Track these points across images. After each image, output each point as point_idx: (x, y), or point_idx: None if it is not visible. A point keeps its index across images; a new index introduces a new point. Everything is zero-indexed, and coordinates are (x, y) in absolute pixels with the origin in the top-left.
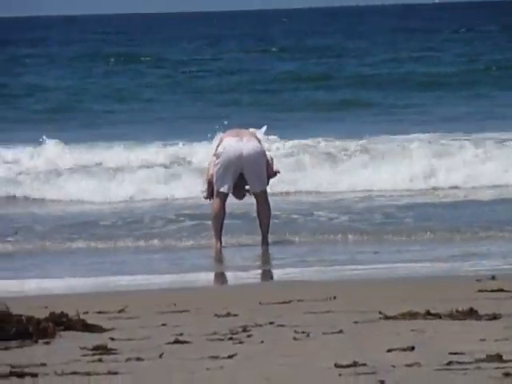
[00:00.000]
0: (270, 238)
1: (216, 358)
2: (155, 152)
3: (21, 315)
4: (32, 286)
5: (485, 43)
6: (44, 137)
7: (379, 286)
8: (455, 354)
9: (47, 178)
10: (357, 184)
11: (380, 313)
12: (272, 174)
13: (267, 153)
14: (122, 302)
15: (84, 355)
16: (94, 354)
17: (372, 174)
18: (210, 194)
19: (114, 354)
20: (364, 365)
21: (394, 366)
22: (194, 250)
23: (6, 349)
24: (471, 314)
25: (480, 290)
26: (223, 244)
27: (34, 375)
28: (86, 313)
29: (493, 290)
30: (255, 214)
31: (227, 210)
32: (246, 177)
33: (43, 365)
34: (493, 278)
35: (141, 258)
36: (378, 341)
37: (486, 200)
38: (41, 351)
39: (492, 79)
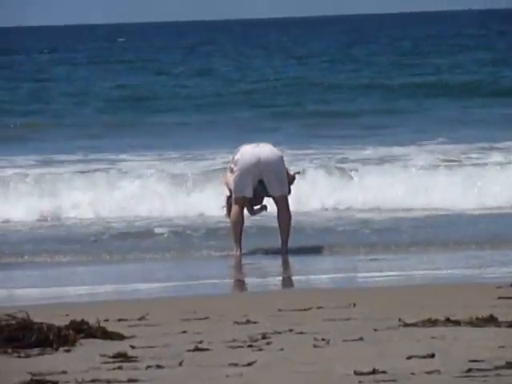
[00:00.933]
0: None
1: (236, 365)
2: None
3: (41, 323)
4: (53, 293)
5: None
6: None
7: (399, 293)
8: (475, 361)
9: None
10: None
11: (400, 320)
12: (291, 179)
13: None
14: (142, 309)
15: (104, 363)
16: (114, 362)
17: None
18: (230, 210)
19: (135, 361)
20: (384, 372)
21: (413, 374)
22: (215, 257)
23: (27, 356)
24: (491, 320)
25: (500, 297)
26: (243, 251)
27: (55, 383)
28: (107, 320)
29: None
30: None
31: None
32: (265, 182)
33: (64, 372)
34: None
35: (161, 267)
36: (398, 348)
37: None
38: (61, 359)
39: None
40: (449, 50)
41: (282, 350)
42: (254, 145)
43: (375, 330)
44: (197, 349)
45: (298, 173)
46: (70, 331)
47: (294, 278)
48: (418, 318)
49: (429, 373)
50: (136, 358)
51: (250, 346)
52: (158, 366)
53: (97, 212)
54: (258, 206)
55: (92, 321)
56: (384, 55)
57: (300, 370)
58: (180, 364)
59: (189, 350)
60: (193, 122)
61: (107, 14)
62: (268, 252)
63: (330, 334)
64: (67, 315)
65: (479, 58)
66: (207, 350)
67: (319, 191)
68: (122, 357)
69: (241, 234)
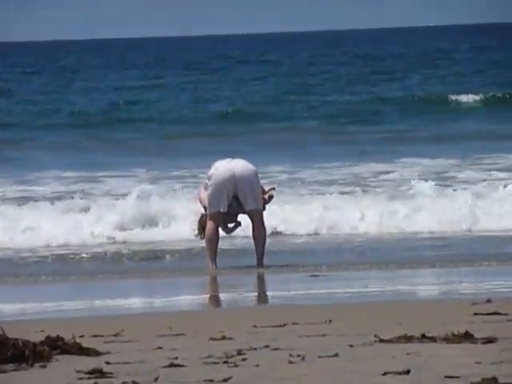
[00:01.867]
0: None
1: (211, 381)
2: None
3: (17, 339)
4: (28, 309)
5: None
6: None
7: (374, 309)
8: (451, 377)
9: None
10: None
11: (375, 336)
12: (268, 197)
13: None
14: (117, 325)
15: (80, 378)
16: (89, 378)
17: None
18: (202, 228)
19: (110, 377)
20: None
21: None
22: (190, 273)
23: (3, 372)
24: (467, 337)
25: (476, 313)
26: (218, 267)
27: None
28: (82, 336)
29: (488, 313)
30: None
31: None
32: (240, 196)
33: None
34: (488, 301)
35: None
36: (374, 364)
37: None
38: (37, 375)
39: None
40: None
41: (257, 366)
42: (228, 159)
43: (351, 346)
44: (172, 365)
45: (274, 189)
46: (46, 347)
47: (269, 293)
48: (394, 334)
49: None
50: (111, 374)
51: (225, 362)
52: (134, 382)
53: None
54: (233, 224)
55: (67, 337)
56: None
57: None
58: (155, 380)
59: (164, 366)
60: None
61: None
62: (243, 268)
63: (305, 351)
64: (42, 331)
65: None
66: (182, 366)
67: None
68: (98, 373)
69: (216, 250)
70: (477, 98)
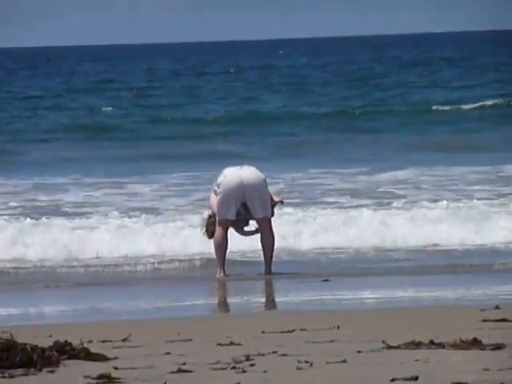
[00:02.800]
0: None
1: None
2: None
3: (25, 344)
4: (37, 314)
5: None
6: None
7: (383, 315)
8: (459, 383)
9: None
10: None
11: (383, 342)
12: (274, 203)
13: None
14: (125, 330)
15: None
16: (97, 383)
17: None
18: (212, 232)
19: (118, 382)
20: None
21: None
22: (198, 279)
23: (11, 377)
24: (475, 343)
25: (484, 320)
26: (227, 273)
27: None
28: (90, 342)
29: (497, 320)
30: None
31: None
32: (248, 204)
33: None
34: (497, 307)
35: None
36: (382, 370)
37: None
38: (45, 380)
39: None
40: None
41: (265, 372)
42: (237, 167)
43: (359, 352)
44: (180, 370)
45: (282, 202)
46: (54, 352)
47: (277, 299)
48: (402, 340)
49: None
50: (119, 379)
51: (233, 367)
52: None
53: None
54: (252, 229)
55: (75, 342)
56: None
57: None
58: None
59: (172, 372)
60: None
61: None
62: (251, 275)
63: (313, 357)
64: (51, 336)
65: None
66: (190, 371)
67: None
68: (106, 378)
69: (224, 257)
70: None
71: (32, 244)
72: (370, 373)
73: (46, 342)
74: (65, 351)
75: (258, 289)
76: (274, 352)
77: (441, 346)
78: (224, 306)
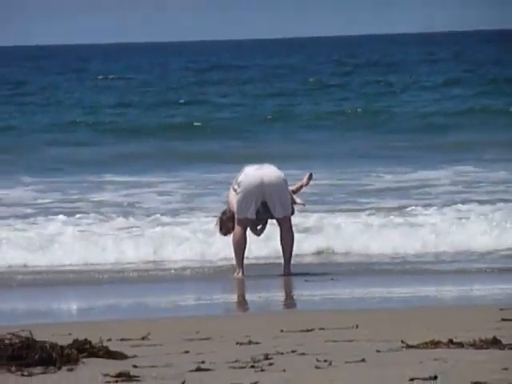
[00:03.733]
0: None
1: None
2: None
3: (44, 342)
4: (56, 312)
5: None
6: None
7: (402, 315)
8: (478, 383)
9: None
10: None
11: (402, 342)
12: (296, 201)
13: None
14: (145, 329)
15: (107, 382)
16: (116, 381)
17: None
18: (228, 229)
19: (137, 381)
20: None
21: None
22: (217, 277)
23: (30, 375)
24: (494, 343)
25: (503, 319)
26: (245, 272)
27: None
28: (109, 340)
29: None
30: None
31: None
32: (268, 203)
33: None
34: None
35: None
36: (401, 370)
37: None
38: (64, 378)
39: None
40: None
41: (284, 371)
42: (257, 166)
43: (378, 351)
44: (199, 369)
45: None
46: (73, 350)
47: (296, 298)
48: (421, 339)
49: None
50: (138, 377)
51: (252, 366)
52: None
53: None
54: (260, 226)
55: (95, 340)
56: None
57: None
58: None
59: (191, 371)
60: None
61: None
62: (271, 273)
63: (332, 356)
64: (70, 334)
65: None
66: (209, 370)
67: None
68: (125, 376)
69: (243, 256)
70: None
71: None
72: (389, 372)
73: (65, 340)
74: (84, 349)
75: (277, 288)
76: (292, 351)
77: (460, 345)
78: (243, 304)
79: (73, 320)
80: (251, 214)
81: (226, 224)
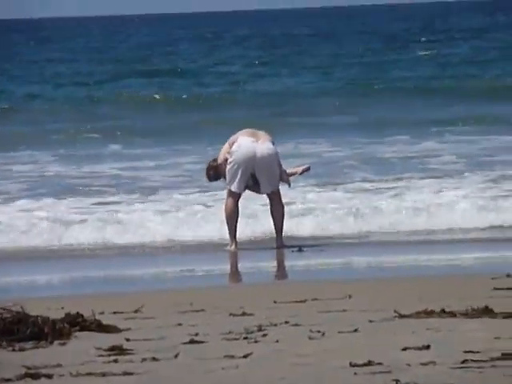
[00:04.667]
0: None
1: (231, 357)
2: None
3: (36, 316)
4: (48, 286)
5: None
6: None
7: (394, 284)
8: (470, 352)
9: None
10: None
11: (395, 312)
12: (285, 179)
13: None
14: (137, 301)
15: (99, 356)
16: (109, 355)
17: None
18: (209, 176)
19: (130, 354)
20: (379, 364)
21: (409, 365)
22: (210, 249)
23: (22, 350)
24: (486, 312)
25: (495, 288)
26: (238, 243)
27: (50, 376)
28: (102, 313)
29: (508, 288)
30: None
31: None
32: (257, 177)
33: (59, 366)
34: (508, 275)
35: (157, 258)
36: (393, 340)
37: None
38: (56, 352)
39: None
40: None
41: (277, 342)
42: (252, 139)
43: (370, 321)
44: (192, 341)
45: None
46: (65, 324)
47: (289, 269)
48: (414, 309)
49: (424, 364)
50: (131, 350)
51: (245, 338)
52: (154, 359)
53: None
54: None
55: (87, 314)
56: None
57: (295, 361)
58: (175, 356)
59: (184, 343)
60: None
61: None
62: (263, 244)
63: (325, 326)
64: (62, 308)
65: None
66: (203, 342)
67: None
68: (118, 350)
69: (236, 227)
70: None
71: None
72: (382, 342)
73: (57, 314)
74: (76, 323)
75: (269, 259)
76: (286, 322)
77: (452, 314)
78: (236, 276)
79: (65, 294)
80: (240, 189)
81: (210, 171)
